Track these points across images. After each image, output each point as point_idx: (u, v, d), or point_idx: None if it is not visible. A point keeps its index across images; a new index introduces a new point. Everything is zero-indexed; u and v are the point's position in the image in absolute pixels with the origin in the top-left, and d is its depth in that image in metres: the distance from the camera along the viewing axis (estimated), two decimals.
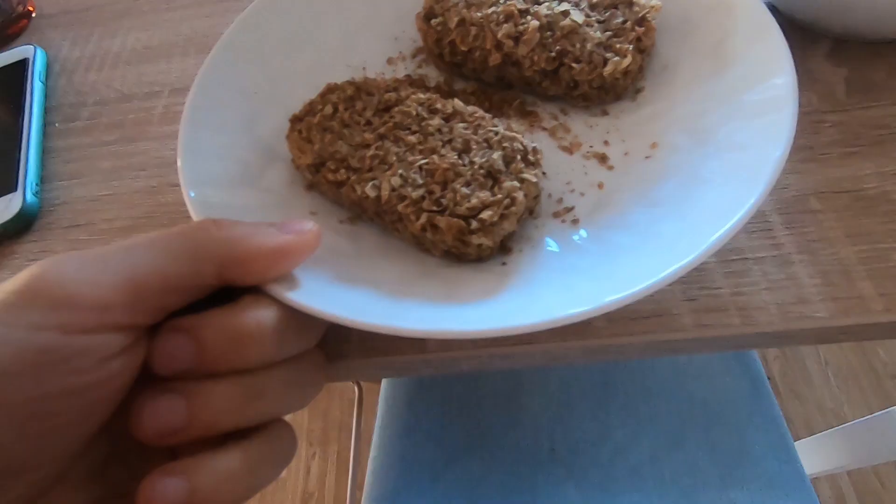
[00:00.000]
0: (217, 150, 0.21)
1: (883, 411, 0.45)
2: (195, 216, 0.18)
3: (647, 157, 0.20)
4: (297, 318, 0.15)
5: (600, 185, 0.20)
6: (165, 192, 0.24)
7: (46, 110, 0.29)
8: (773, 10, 0.23)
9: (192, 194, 0.19)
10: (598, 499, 0.40)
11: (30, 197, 0.24)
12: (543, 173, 0.20)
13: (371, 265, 0.19)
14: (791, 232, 0.19)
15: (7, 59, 0.31)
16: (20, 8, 0.35)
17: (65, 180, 0.26)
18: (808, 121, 0.21)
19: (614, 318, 0.18)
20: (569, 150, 0.21)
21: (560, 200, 0.20)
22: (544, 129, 0.22)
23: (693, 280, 0.18)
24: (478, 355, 0.18)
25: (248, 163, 0.22)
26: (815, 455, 0.56)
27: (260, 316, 0.14)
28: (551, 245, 0.19)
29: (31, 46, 0.31)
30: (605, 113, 0.22)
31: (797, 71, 0.22)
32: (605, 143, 0.21)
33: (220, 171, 0.21)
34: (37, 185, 0.25)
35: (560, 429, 0.42)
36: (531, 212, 0.19)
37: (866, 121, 0.21)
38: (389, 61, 0.26)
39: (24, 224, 0.24)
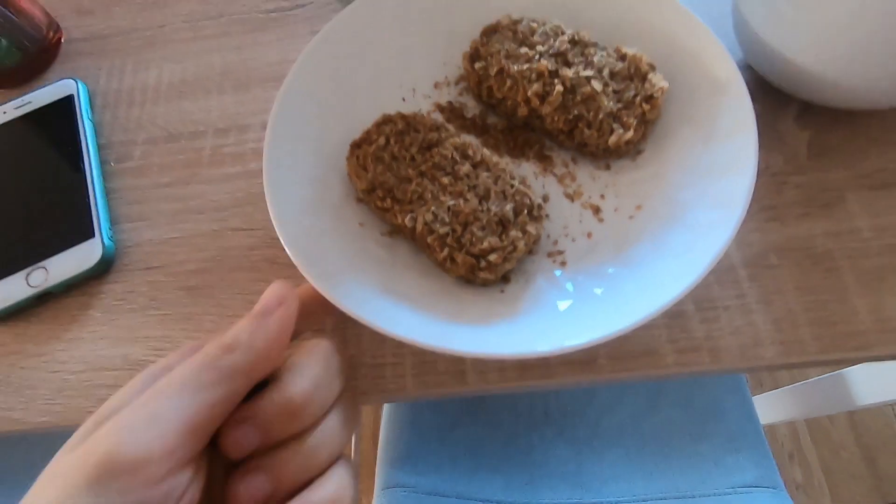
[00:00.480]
0: (294, 178, 0.25)
1: (830, 374, 0.52)
2: (289, 250, 0.22)
3: (630, 217, 0.24)
4: (328, 372, 0.18)
5: (589, 235, 0.24)
6: (227, 236, 0.28)
7: (99, 147, 0.32)
8: (750, 69, 0.27)
9: (285, 237, 0.22)
10: (586, 453, 0.47)
11: (107, 242, 0.28)
12: (547, 216, 0.25)
13: (404, 276, 0.24)
14: (753, 284, 0.23)
15: (51, 95, 0.33)
16: (51, 34, 0.36)
17: (132, 222, 0.29)
18: (774, 181, 0.25)
19: (615, 356, 0.23)
20: (571, 197, 0.25)
21: (556, 242, 0.24)
22: (555, 174, 0.26)
23: (675, 325, 0.23)
24: (509, 386, 0.23)
25: (316, 180, 0.25)
26: (775, 406, 0.65)
27: (300, 385, 0.17)
28: (541, 281, 0.23)
29: (73, 81, 0.33)
30: (607, 167, 0.26)
31: (769, 132, 0.27)
32: (602, 196, 0.25)
33: (299, 198, 0.24)
34: (110, 229, 0.29)
35: (553, 395, 0.49)
36: (530, 251, 0.24)
37: (821, 183, 0.25)
38: (436, 85, 0.29)
39: (105, 268, 0.28)
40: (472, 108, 0.28)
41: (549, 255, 0.24)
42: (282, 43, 0.34)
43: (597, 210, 0.25)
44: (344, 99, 0.28)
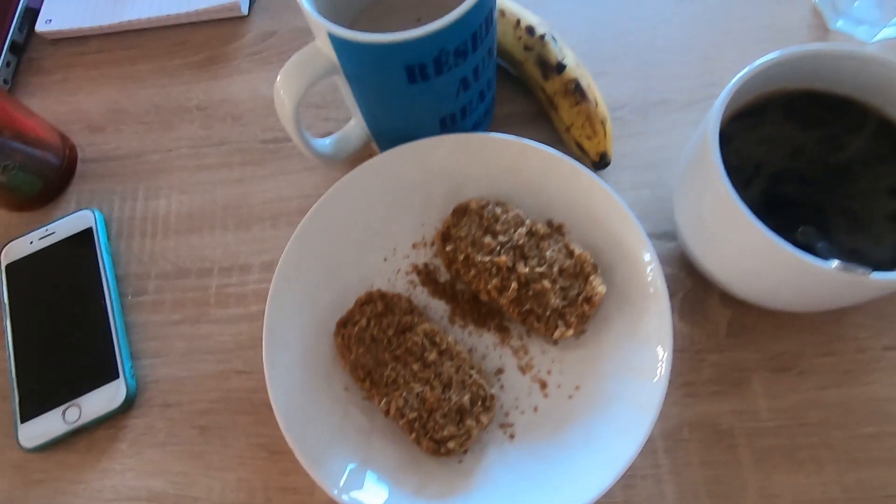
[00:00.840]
0: (288, 344, 0.29)
1: None
2: (281, 421, 0.26)
3: (570, 397, 0.29)
4: None
5: (535, 409, 0.29)
6: (231, 378, 0.33)
7: (117, 278, 0.36)
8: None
9: (278, 408, 0.27)
10: None
11: (130, 381, 0.32)
12: (501, 387, 0.29)
13: (379, 445, 0.28)
14: (667, 455, 0.28)
15: (72, 226, 0.37)
16: (67, 152, 0.39)
17: (150, 358, 0.34)
18: (695, 358, 0.30)
19: None
20: (523, 370, 0.30)
21: (507, 414, 0.29)
22: (511, 346, 0.31)
23: None
24: None
25: (308, 345, 0.30)
26: None
27: None
28: (492, 455, 0.28)
29: (91, 212, 0.37)
30: (556, 343, 0.30)
31: (696, 308, 0.31)
32: (549, 371, 0.30)
33: (291, 362, 0.29)
34: (132, 367, 0.33)
35: None
36: (484, 427, 0.28)
37: (733, 363, 0.30)
38: (414, 246, 0.33)
39: (129, 405, 0.32)
40: (444, 272, 0.32)
41: (502, 426, 0.29)
42: (277, 179, 0.38)
43: (543, 385, 0.29)
44: (333, 262, 0.32)
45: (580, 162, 0.34)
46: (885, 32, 0.36)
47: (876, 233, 0.25)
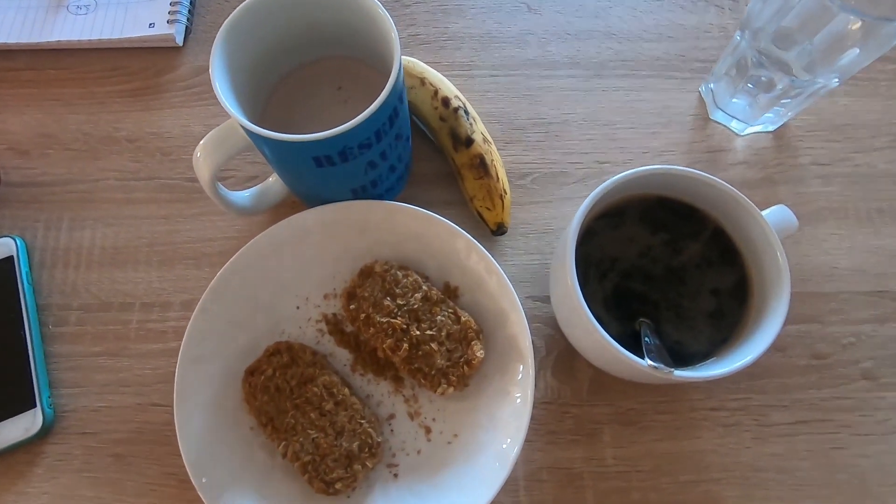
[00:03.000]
0: (199, 386, 0.32)
1: None
2: (185, 455, 0.30)
3: (448, 443, 0.33)
4: None
5: (419, 452, 0.33)
6: (148, 410, 0.35)
7: (38, 308, 0.37)
8: None
9: (184, 444, 0.30)
10: None
11: (47, 410, 0.35)
12: (391, 430, 0.34)
13: (279, 482, 0.32)
14: (527, 494, 0.33)
15: None
16: None
17: (68, 388, 0.36)
18: (559, 411, 0.35)
19: None
20: (412, 416, 0.34)
21: (394, 455, 0.33)
22: (403, 395, 0.35)
23: None
24: None
25: (219, 388, 0.33)
26: None
27: None
28: (378, 492, 0.32)
29: (12, 240, 0.38)
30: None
31: (566, 367, 0.36)
32: (433, 419, 0.34)
33: (201, 404, 0.32)
34: (49, 396, 0.35)
35: None
36: (370, 471, 0.33)
37: (590, 416, 0.35)
38: (326, 296, 0.37)
39: (45, 433, 0.34)
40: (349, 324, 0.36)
41: (388, 465, 0.33)
42: (202, 219, 0.40)
43: (428, 430, 0.34)
44: (249, 308, 0.35)
45: (484, 225, 0.38)
46: (753, 129, 0.41)
47: (697, 327, 0.30)
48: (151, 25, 0.44)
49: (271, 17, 0.31)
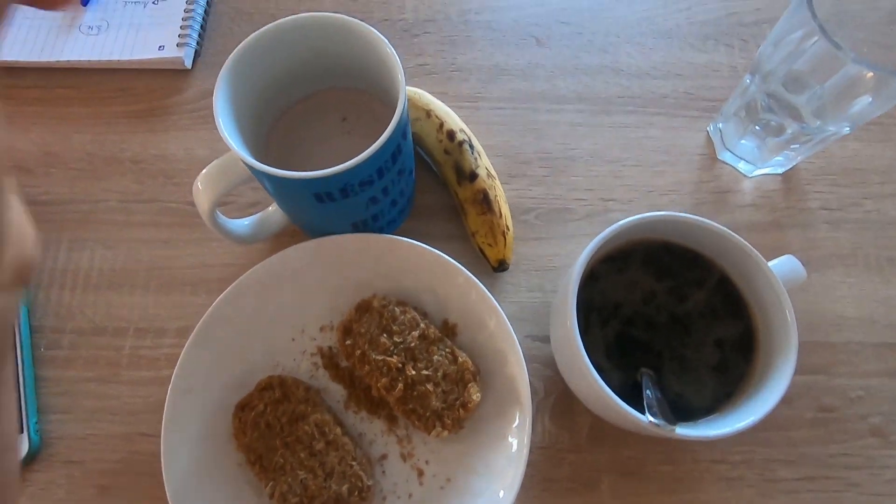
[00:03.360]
0: (190, 420, 0.32)
1: None
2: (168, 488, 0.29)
3: (441, 487, 0.32)
4: None
5: (410, 496, 0.32)
6: (136, 440, 0.35)
7: (31, 329, 0.37)
8: None
9: (170, 481, 0.29)
10: None
11: (34, 437, 0.34)
12: (383, 472, 0.33)
13: None
14: None
15: None
16: None
17: (58, 413, 0.35)
18: (557, 457, 0.34)
19: None
20: (405, 457, 0.33)
21: (385, 498, 0.32)
22: (397, 435, 0.34)
23: None
24: None
25: (209, 421, 0.32)
26: None
27: None
28: None
29: None
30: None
31: (565, 412, 0.35)
32: (427, 461, 0.33)
33: (190, 436, 0.31)
34: (37, 422, 0.35)
35: None
36: None
37: (589, 464, 0.34)
38: (322, 329, 0.36)
39: (31, 459, 0.34)
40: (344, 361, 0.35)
41: None
42: (202, 245, 0.39)
43: (420, 473, 0.33)
44: (244, 338, 0.34)
45: (485, 261, 0.37)
46: (762, 171, 0.41)
47: (701, 380, 0.29)
48: (161, 48, 0.44)
49: (277, 51, 0.31)
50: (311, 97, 0.36)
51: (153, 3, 0.46)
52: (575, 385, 0.31)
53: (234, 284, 0.33)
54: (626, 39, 0.46)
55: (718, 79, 0.44)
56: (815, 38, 0.31)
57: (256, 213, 0.37)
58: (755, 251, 0.29)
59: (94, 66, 0.44)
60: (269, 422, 0.32)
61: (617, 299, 0.31)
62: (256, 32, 0.30)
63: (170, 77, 0.45)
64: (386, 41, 0.29)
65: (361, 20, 0.30)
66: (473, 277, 0.33)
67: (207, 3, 0.47)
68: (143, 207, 0.41)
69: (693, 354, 0.29)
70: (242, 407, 0.32)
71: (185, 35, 0.45)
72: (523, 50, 0.45)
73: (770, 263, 0.29)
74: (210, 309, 0.33)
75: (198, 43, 0.45)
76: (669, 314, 0.30)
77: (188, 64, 0.44)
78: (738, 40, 0.45)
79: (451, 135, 0.38)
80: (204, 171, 0.30)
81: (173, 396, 0.31)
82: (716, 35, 0.45)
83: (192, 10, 0.46)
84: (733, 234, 0.29)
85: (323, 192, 0.28)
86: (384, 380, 0.32)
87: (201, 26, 0.46)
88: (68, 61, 0.44)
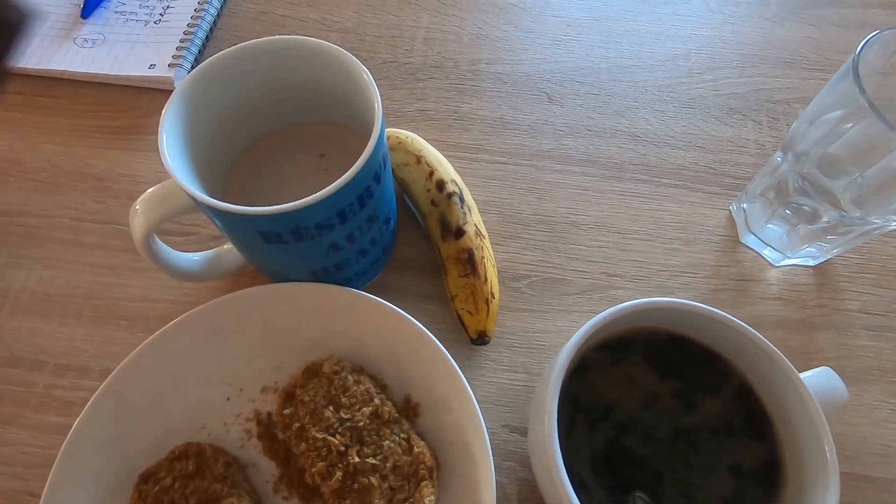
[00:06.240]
0: (84, 487, 0.26)
1: None
2: None
3: None
4: None
5: None
6: (23, 501, 0.29)
7: None
8: None
9: None
10: None
11: None
12: None
13: None
14: None
15: None
16: None
17: None
18: None
19: None
20: None
21: None
22: None
23: None
24: None
25: (109, 488, 0.27)
26: None
27: None
28: None
29: None
30: None
31: None
32: None
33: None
34: None
35: None
36: None
37: None
38: (264, 390, 0.31)
39: None
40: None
41: None
42: (150, 276, 0.35)
43: None
44: (168, 392, 0.29)
45: (463, 329, 0.32)
46: (791, 261, 0.36)
47: None
48: (152, 66, 0.42)
49: (243, 74, 0.28)
50: (287, 130, 0.33)
51: (154, 22, 0.45)
52: (549, 500, 0.25)
53: (165, 327, 0.29)
54: (645, 105, 0.42)
55: (744, 155, 0.40)
56: (856, 120, 0.27)
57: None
58: (785, 358, 0.23)
59: (81, 77, 0.42)
60: (175, 501, 0.26)
61: (610, 398, 0.25)
62: (220, 53, 0.27)
63: (157, 97, 0.42)
64: (362, 67, 0.26)
65: (364, 59, 0.28)
66: (444, 350, 0.28)
67: (211, 29, 0.46)
68: (97, 228, 0.37)
69: (701, 481, 0.23)
70: (147, 478, 0.27)
71: (180, 56, 0.42)
72: (533, 105, 0.42)
73: (803, 376, 0.23)
74: (133, 353, 0.28)
75: (192, 66, 0.43)
76: (673, 425, 0.25)
77: (177, 84, 0.42)
78: (766, 117, 0.42)
79: (440, 185, 0.34)
80: (145, 193, 0.26)
81: (65, 458, 0.26)
82: (743, 109, 0.42)
83: (193, 32, 0.44)
84: (758, 335, 0.24)
85: (271, 232, 0.24)
86: (320, 464, 0.26)
87: (200, 51, 0.44)
88: (55, 70, 0.42)
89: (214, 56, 0.27)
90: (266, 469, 0.29)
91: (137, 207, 0.26)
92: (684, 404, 0.25)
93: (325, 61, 0.27)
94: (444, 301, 0.34)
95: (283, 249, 0.26)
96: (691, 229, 0.37)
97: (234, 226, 0.25)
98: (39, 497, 0.29)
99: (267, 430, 0.30)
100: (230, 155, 0.31)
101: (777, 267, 0.36)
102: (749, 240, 0.37)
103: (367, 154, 0.24)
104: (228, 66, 0.27)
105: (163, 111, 0.25)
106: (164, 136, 0.24)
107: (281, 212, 0.22)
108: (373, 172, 0.25)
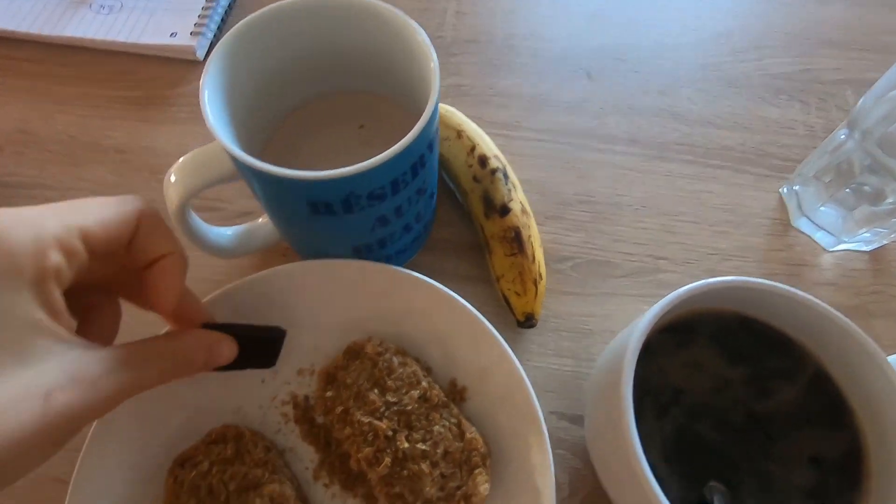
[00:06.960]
0: (114, 470, 0.25)
1: None
2: None
3: None
4: None
5: None
6: (46, 486, 0.27)
7: None
8: None
9: None
10: None
11: None
12: None
13: None
14: None
15: None
16: None
17: None
18: None
19: None
20: None
21: None
22: None
23: None
24: None
25: (135, 486, 0.25)
26: None
27: None
28: None
29: None
30: None
31: None
32: None
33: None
34: None
35: None
36: None
37: None
38: (300, 372, 0.29)
39: None
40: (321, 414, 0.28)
41: None
42: None
43: None
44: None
45: (509, 312, 0.31)
46: (846, 245, 0.34)
47: None
48: (173, 35, 0.40)
49: (284, 34, 0.26)
50: (326, 99, 0.31)
51: None
52: (616, 491, 0.23)
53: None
54: (688, 84, 0.41)
55: (792, 137, 0.39)
56: None
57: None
58: (871, 341, 0.22)
59: (98, 46, 0.40)
60: (213, 486, 0.24)
61: (677, 383, 0.24)
62: (261, 10, 0.25)
63: (177, 66, 0.40)
64: (419, 28, 0.24)
65: None
66: (496, 333, 0.27)
67: None
68: None
69: (780, 471, 0.22)
70: (183, 462, 0.25)
71: (202, 24, 0.40)
72: (572, 83, 0.41)
73: (890, 358, 0.22)
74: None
75: (215, 35, 0.41)
76: (747, 412, 0.23)
77: (200, 55, 0.40)
78: (815, 98, 0.40)
79: (482, 160, 0.32)
80: (182, 158, 0.24)
81: (93, 441, 0.24)
82: (790, 90, 0.40)
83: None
84: (839, 314, 0.22)
85: (320, 201, 0.22)
86: (367, 449, 0.25)
87: (223, 18, 0.42)
88: (70, 37, 0.40)
89: (254, 14, 0.25)
90: (305, 454, 0.27)
91: (172, 176, 0.24)
92: (757, 391, 0.23)
93: (374, 20, 0.25)
94: (484, 282, 0.33)
95: (330, 222, 0.24)
96: (740, 212, 0.36)
97: (280, 194, 0.23)
98: (65, 482, 0.27)
99: (305, 413, 0.28)
100: (266, 125, 0.29)
101: (830, 252, 0.35)
102: (801, 223, 0.35)
103: (425, 117, 0.22)
104: (271, 24, 0.25)
105: (203, 72, 0.24)
106: (207, 93, 0.23)
107: (335, 177, 0.21)
108: (427, 141, 0.24)
